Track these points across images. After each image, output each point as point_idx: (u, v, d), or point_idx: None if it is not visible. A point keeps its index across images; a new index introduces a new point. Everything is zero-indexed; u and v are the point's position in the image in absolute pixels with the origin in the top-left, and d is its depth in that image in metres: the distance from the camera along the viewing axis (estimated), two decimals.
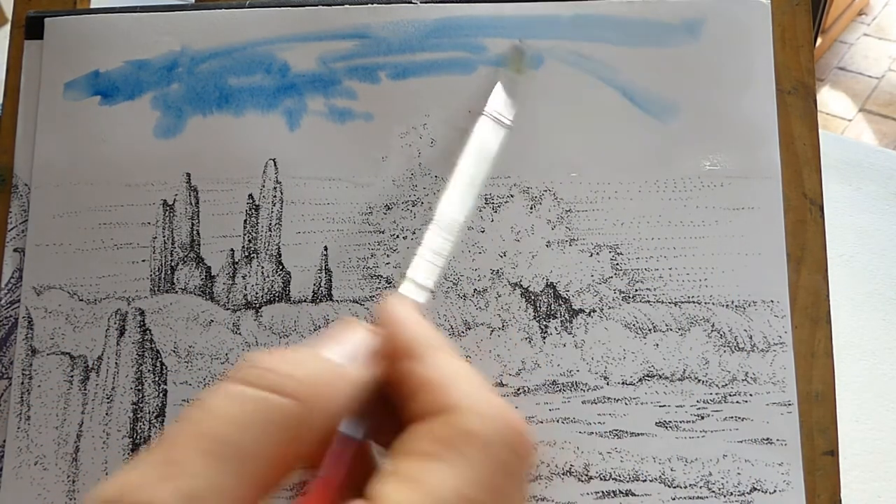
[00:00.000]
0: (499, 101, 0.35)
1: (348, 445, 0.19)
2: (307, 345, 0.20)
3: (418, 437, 0.19)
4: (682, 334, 0.39)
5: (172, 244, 0.40)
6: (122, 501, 0.16)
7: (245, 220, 0.40)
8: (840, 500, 0.38)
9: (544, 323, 0.39)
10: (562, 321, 0.39)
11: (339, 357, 0.20)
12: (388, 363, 0.21)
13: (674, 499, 0.38)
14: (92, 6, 0.44)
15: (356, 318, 0.21)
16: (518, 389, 0.39)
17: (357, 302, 0.39)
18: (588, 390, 0.39)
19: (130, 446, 0.39)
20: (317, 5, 0.41)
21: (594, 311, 0.39)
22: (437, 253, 0.26)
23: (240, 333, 0.39)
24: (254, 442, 0.18)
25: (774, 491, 0.38)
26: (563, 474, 0.38)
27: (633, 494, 0.38)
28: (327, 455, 0.19)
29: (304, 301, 0.39)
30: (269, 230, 0.40)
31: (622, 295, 0.39)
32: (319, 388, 0.19)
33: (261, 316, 0.40)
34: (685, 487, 0.38)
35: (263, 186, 0.40)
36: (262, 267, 0.40)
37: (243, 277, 0.40)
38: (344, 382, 0.20)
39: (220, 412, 0.18)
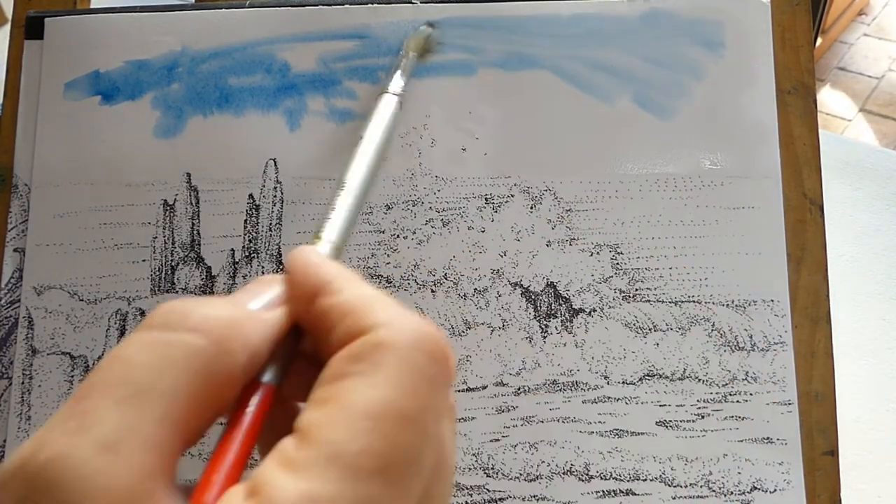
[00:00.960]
0: (401, 81, 0.37)
1: (264, 390, 0.19)
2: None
3: (337, 362, 0.18)
4: (682, 334, 0.39)
5: (173, 244, 0.40)
6: (36, 458, 0.16)
7: (245, 220, 0.40)
8: (840, 500, 0.38)
9: (545, 322, 0.39)
10: (562, 321, 0.39)
11: (253, 304, 0.20)
12: (304, 305, 0.21)
13: (674, 498, 0.38)
14: (92, 6, 0.44)
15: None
16: (518, 389, 0.39)
17: None
18: (588, 390, 0.39)
19: None
20: (317, 5, 0.41)
21: (594, 310, 0.39)
22: (343, 211, 0.27)
23: None
24: (170, 385, 0.17)
25: (774, 490, 0.38)
26: (563, 474, 0.38)
27: (634, 494, 0.38)
28: (240, 398, 0.19)
29: None
30: (270, 230, 0.40)
31: (622, 294, 0.39)
32: (233, 329, 0.19)
33: None
34: (685, 487, 0.38)
35: (264, 186, 0.40)
36: (263, 267, 0.40)
37: (244, 277, 0.40)
38: (258, 324, 0.19)
39: (132, 358, 0.17)
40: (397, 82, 0.37)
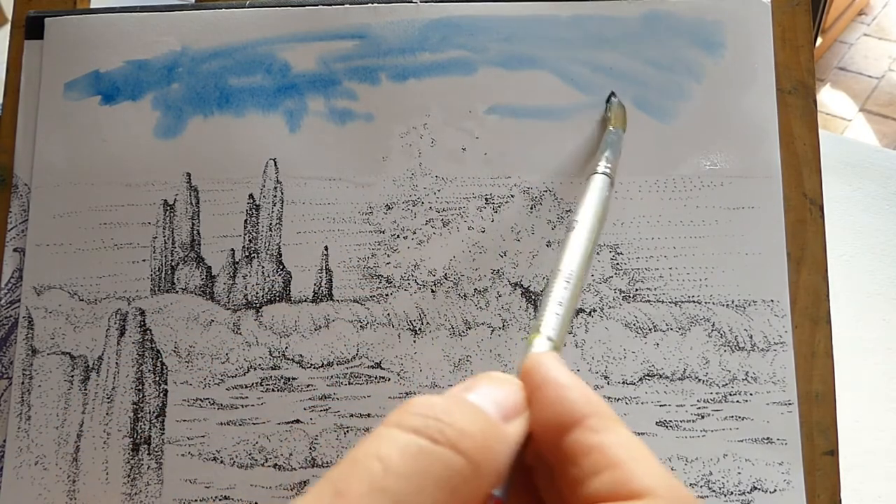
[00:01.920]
0: (608, 157, 0.35)
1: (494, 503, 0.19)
2: (463, 394, 0.20)
3: None
4: (682, 334, 0.39)
5: (173, 244, 0.40)
6: None
7: (245, 220, 0.40)
8: (840, 500, 0.38)
9: None
10: None
11: (497, 414, 0.20)
12: (548, 429, 0.20)
13: None
14: (92, 6, 0.44)
15: (500, 372, 0.21)
16: None
17: (358, 302, 0.39)
18: None
19: (130, 446, 0.39)
20: (317, 5, 0.41)
21: (594, 310, 0.39)
22: (562, 304, 0.25)
23: (240, 333, 0.39)
24: (427, 501, 0.17)
25: (775, 490, 0.38)
26: None
27: None
28: None
29: (305, 301, 0.39)
30: (270, 230, 0.40)
31: (622, 294, 0.39)
32: (487, 449, 0.18)
33: (261, 316, 0.40)
34: (685, 487, 0.38)
35: (264, 186, 0.40)
36: (263, 267, 0.40)
37: (244, 277, 0.40)
38: (505, 443, 0.19)
39: (395, 464, 0.17)
40: (606, 161, 0.35)
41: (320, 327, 0.39)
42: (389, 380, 0.39)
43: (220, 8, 0.41)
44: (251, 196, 0.40)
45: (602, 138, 0.38)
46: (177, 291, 0.40)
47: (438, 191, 0.40)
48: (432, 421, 0.18)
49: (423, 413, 0.18)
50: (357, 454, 0.18)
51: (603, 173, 0.33)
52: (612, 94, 0.39)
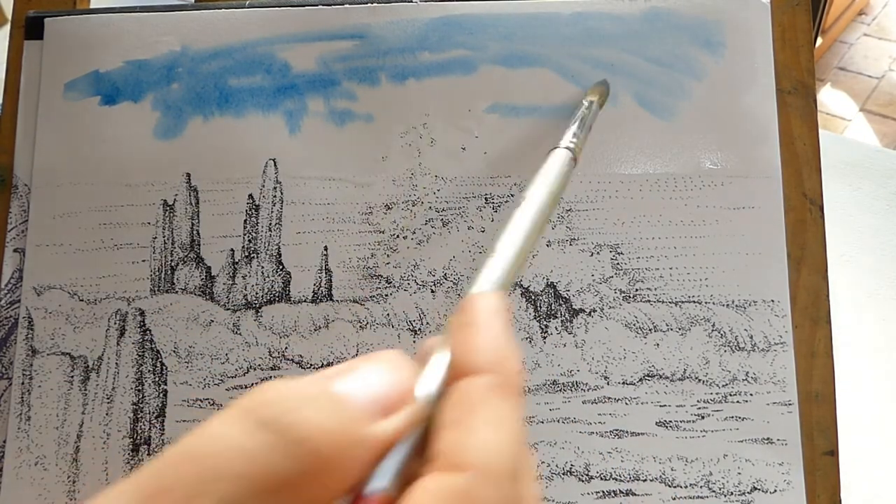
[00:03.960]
0: (575, 132, 0.33)
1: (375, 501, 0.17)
2: (334, 380, 0.18)
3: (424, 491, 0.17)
4: (682, 334, 0.39)
5: (172, 244, 0.40)
6: None
7: (245, 221, 0.40)
8: (840, 500, 0.38)
9: (545, 323, 0.39)
10: (562, 321, 0.39)
11: (367, 409, 0.18)
12: (453, 371, 0.19)
13: (674, 498, 0.38)
14: (92, 6, 0.44)
15: (392, 351, 0.19)
16: None
17: (357, 302, 0.39)
18: (588, 390, 0.39)
19: (130, 446, 0.39)
20: (317, 5, 0.41)
21: (594, 310, 0.39)
22: (486, 281, 0.24)
23: (240, 333, 0.39)
24: (256, 491, 0.16)
25: (775, 491, 0.38)
26: (563, 474, 0.38)
27: (634, 494, 0.38)
28: None
29: (305, 301, 0.39)
30: (270, 230, 0.40)
31: (622, 294, 0.39)
32: (341, 455, 0.17)
33: (261, 316, 0.39)
34: (686, 487, 0.38)
35: (263, 186, 0.40)
36: (262, 267, 0.40)
37: (243, 277, 0.40)
38: (364, 448, 0.17)
39: (224, 463, 0.16)
40: (572, 136, 0.32)
41: (320, 327, 0.39)
42: None
43: (220, 8, 0.41)
44: (251, 196, 0.40)
45: (575, 112, 0.36)
46: (176, 292, 0.40)
47: (438, 190, 0.40)
48: (279, 415, 0.16)
49: (271, 403, 0.17)
50: (188, 448, 0.16)
51: (566, 147, 0.31)
52: (604, 81, 0.39)
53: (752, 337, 0.39)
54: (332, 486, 0.17)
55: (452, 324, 0.21)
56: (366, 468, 0.17)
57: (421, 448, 0.18)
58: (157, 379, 0.39)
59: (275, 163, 0.40)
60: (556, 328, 0.39)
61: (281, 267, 0.40)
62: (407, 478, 0.18)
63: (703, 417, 0.38)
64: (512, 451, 0.18)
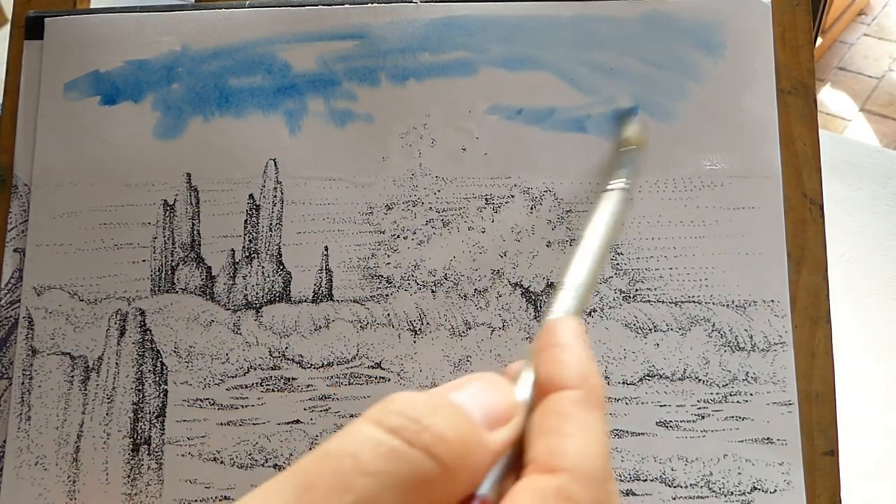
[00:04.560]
0: (623, 173, 0.35)
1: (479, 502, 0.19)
2: (450, 394, 0.20)
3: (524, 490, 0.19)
4: (682, 334, 0.39)
5: (173, 244, 0.40)
6: None
7: (245, 220, 0.40)
8: (840, 500, 0.38)
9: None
10: None
11: (482, 419, 0.20)
12: (539, 388, 0.21)
13: (674, 498, 0.38)
14: (92, 6, 0.44)
15: (496, 374, 0.21)
16: None
17: (358, 302, 0.39)
18: None
19: (131, 446, 0.39)
20: (317, 5, 0.41)
21: (595, 310, 0.39)
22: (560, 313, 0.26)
23: (240, 333, 0.39)
24: (394, 502, 0.17)
25: (775, 490, 0.38)
26: None
27: (634, 494, 0.38)
28: None
29: (305, 301, 0.39)
30: (270, 230, 0.40)
31: (623, 295, 0.39)
32: (464, 459, 0.18)
33: (261, 316, 0.40)
34: (686, 487, 0.38)
35: (264, 186, 0.40)
36: (263, 267, 0.40)
37: (244, 277, 0.40)
38: (487, 453, 0.19)
39: (365, 463, 0.17)
40: (620, 175, 0.35)
41: (320, 327, 0.39)
42: (389, 380, 0.39)
43: (220, 8, 0.41)
44: (251, 196, 0.40)
45: (616, 156, 0.38)
46: (177, 292, 0.40)
47: (438, 191, 0.40)
48: (410, 422, 0.18)
49: (402, 412, 0.18)
50: (330, 448, 0.17)
51: (619, 189, 0.34)
52: (632, 109, 0.39)
53: (752, 337, 0.39)
54: (455, 490, 0.18)
55: (537, 346, 0.23)
56: (482, 473, 0.19)
57: (512, 457, 0.20)
58: (157, 379, 0.39)
59: (275, 163, 0.40)
60: None
61: (281, 267, 0.40)
62: (501, 486, 0.20)
63: (703, 417, 0.38)
64: (602, 456, 0.20)
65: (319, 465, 0.17)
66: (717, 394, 0.38)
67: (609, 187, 0.34)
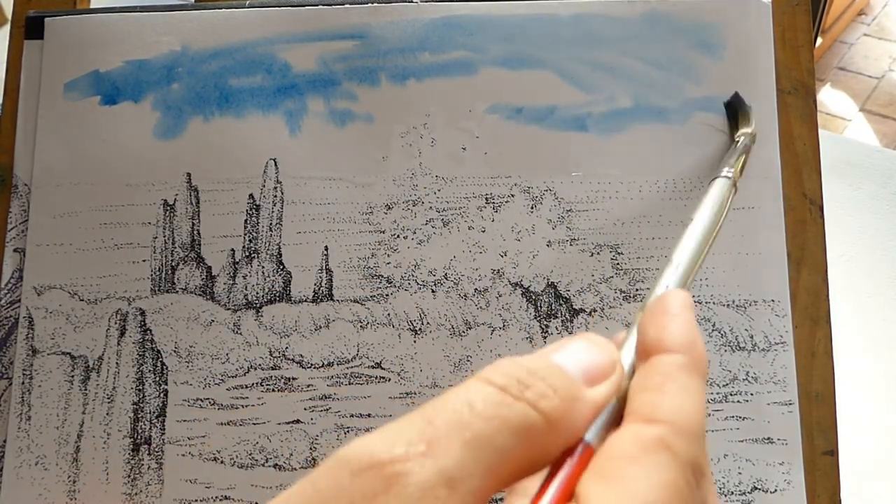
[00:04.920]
0: (731, 161, 0.36)
1: (583, 449, 0.21)
2: (552, 355, 0.21)
3: (625, 439, 0.20)
4: None
5: (173, 244, 0.40)
6: (391, 465, 0.17)
7: (246, 220, 0.40)
8: (840, 500, 0.38)
9: (545, 322, 0.39)
10: (562, 321, 0.39)
11: (582, 377, 0.21)
12: (643, 349, 0.23)
13: None
14: (92, 6, 0.44)
15: (597, 334, 0.23)
16: None
17: (358, 302, 0.39)
18: None
19: (131, 446, 0.39)
20: (317, 5, 0.41)
21: (595, 310, 0.39)
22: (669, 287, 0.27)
23: (240, 333, 0.39)
24: (503, 444, 0.19)
25: (775, 490, 0.38)
26: None
27: None
28: (565, 464, 0.20)
29: (305, 301, 0.39)
30: (270, 230, 0.40)
31: (623, 294, 0.39)
32: (566, 412, 0.20)
33: (261, 316, 0.40)
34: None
35: (264, 186, 0.40)
36: (263, 267, 0.40)
37: (244, 277, 0.40)
38: (585, 407, 0.21)
39: (475, 407, 0.19)
40: (730, 165, 0.35)
41: (320, 327, 0.39)
42: (390, 380, 0.39)
43: (220, 8, 0.41)
44: (251, 196, 0.40)
45: (734, 145, 0.38)
46: (177, 291, 0.40)
47: (438, 190, 0.40)
48: (515, 381, 0.20)
49: (508, 373, 0.20)
50: (448, 396, 0.19)
51: (724, 177, 0.34)
52: (740, 99, 0.39)
53: (752, 337, 0.39)
54: (559, 440, 0.20)
55: (646, 313, 0.24)
56: (584, 425, 0.21)
57: (614, 414, 0.22)
58: (157, 379, 0.39)
59: (275, 163, 0.40)
60: (556, 328, 0.39)
61: (281, 267, 0.40)
62: (604, 435, 0.21)
63: None
64: (701, 415, 0.21)
65: (440, 407, 0.19)
66: (717, 393, 0.38)
67: (722, 174, 0.34)
